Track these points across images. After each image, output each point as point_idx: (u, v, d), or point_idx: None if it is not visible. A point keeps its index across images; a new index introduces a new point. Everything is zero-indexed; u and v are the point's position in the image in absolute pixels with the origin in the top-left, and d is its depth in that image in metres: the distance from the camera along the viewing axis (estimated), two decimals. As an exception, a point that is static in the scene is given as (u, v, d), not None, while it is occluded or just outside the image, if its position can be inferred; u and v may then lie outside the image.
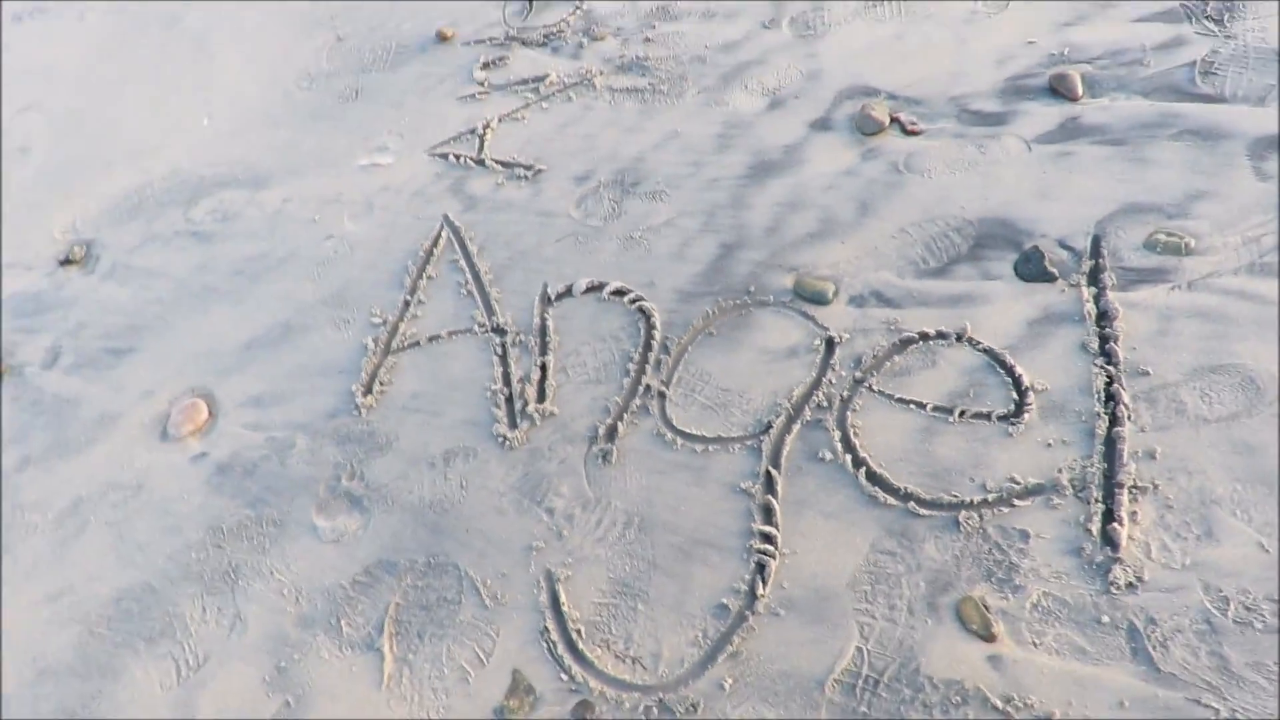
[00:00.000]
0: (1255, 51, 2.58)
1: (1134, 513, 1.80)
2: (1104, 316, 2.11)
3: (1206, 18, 2.72)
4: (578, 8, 3.62)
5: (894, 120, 2.72)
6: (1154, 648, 1.64)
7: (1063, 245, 2.28)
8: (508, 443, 2.23)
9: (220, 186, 3.36)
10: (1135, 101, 2.56)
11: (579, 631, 1.88)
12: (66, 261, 3.24)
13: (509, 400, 2.33)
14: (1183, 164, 2.36)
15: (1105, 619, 1.69)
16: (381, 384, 2.46)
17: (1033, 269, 2.24)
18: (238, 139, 3.56)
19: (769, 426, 2.11)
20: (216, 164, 3.46)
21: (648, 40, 3.34)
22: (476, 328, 2.53)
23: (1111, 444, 1.90)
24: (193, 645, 2.06)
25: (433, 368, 2.47)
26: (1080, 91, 2.62)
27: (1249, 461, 1.81)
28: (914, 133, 2.67)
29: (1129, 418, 1.93)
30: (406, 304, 2.65)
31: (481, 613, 1.95)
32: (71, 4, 4.77)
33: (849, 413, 2.09)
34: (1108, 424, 1.93)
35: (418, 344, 2.54)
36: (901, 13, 3.12)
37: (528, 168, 2.97)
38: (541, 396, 2.31)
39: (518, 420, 2.28)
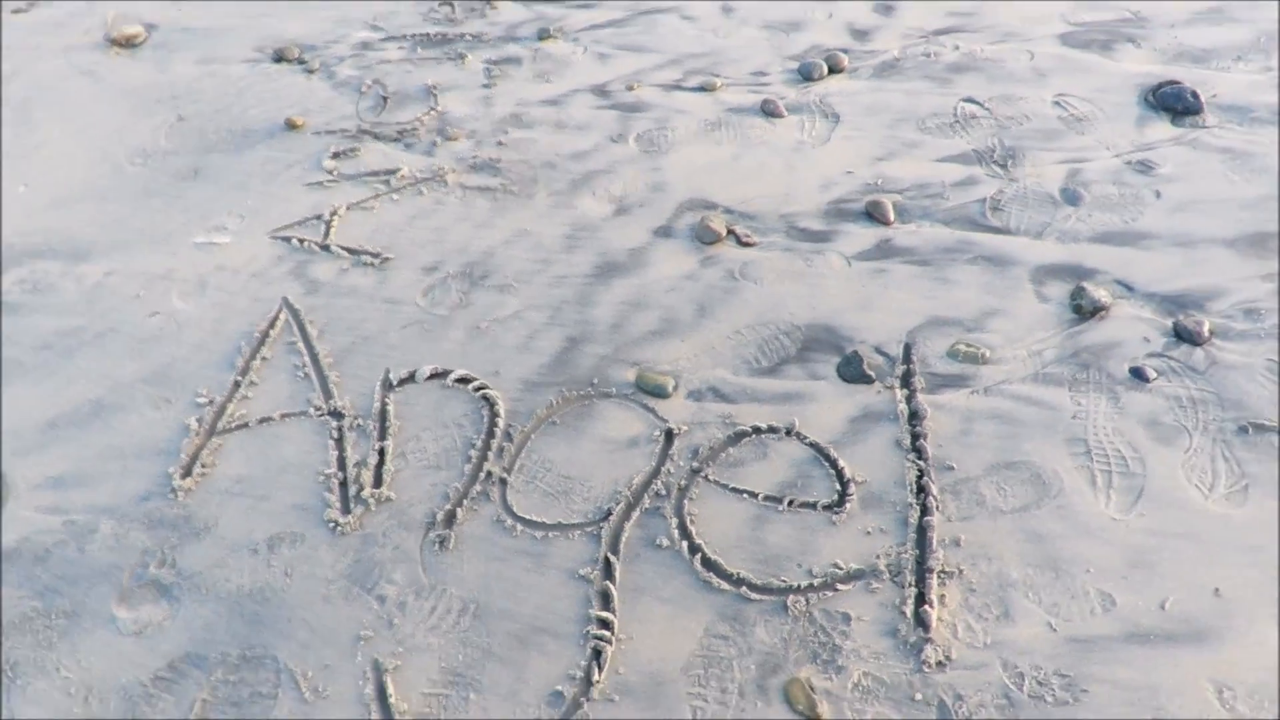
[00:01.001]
0: (1033, 193, 2.98)
1: (942, 595, 1.93)
2: (915, 416, 2.31)
3: (994, 162, 3.13)
4: (432, 109, 3.71)
5: (730, 232, 2.93)
6: (962, 723, 1.74)
7: (879, 351, 2.49)
8: (339, 528, 2.15)
9: (33, 257, 3.14)
10: (938, 228, 2.88)
11: (406, 724, 1.80)
12: None
13: (343, 485, 2.25)
14: (978, 284, 2.66)
15: (918, 696, 1.78)
16: (203, 466, 2.32)
17: (853, 371, 2.43)
18: (58, 210, 3.36)
19: (609, 513, 2.14)
20: (30, 233, 3.25)
21: (500, 144, 3.47)
22: (312, 410, 2.45)
23: (923, 532, 2.05)
24: (-48, 755, 1.81)
25: (262, 450, 2.36)
26: (892, 217, 2.93)
27: (1039, 548, 2.00)
28: (748, 244, 2.88)
29: (937, 508, 2.10)
30: (237, 384, 2.54)
31: (300, 707, 1.83)
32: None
33: (686, 501, 2.16)
34: (919, 513, 2.09)
35: (246, 425, 2.43)
36: (738, 138, 3.40)
37: (375, 255, 2.96)
38: (378, 481, 2.25)
39: (351, 505, 2.21)
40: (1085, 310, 2.52)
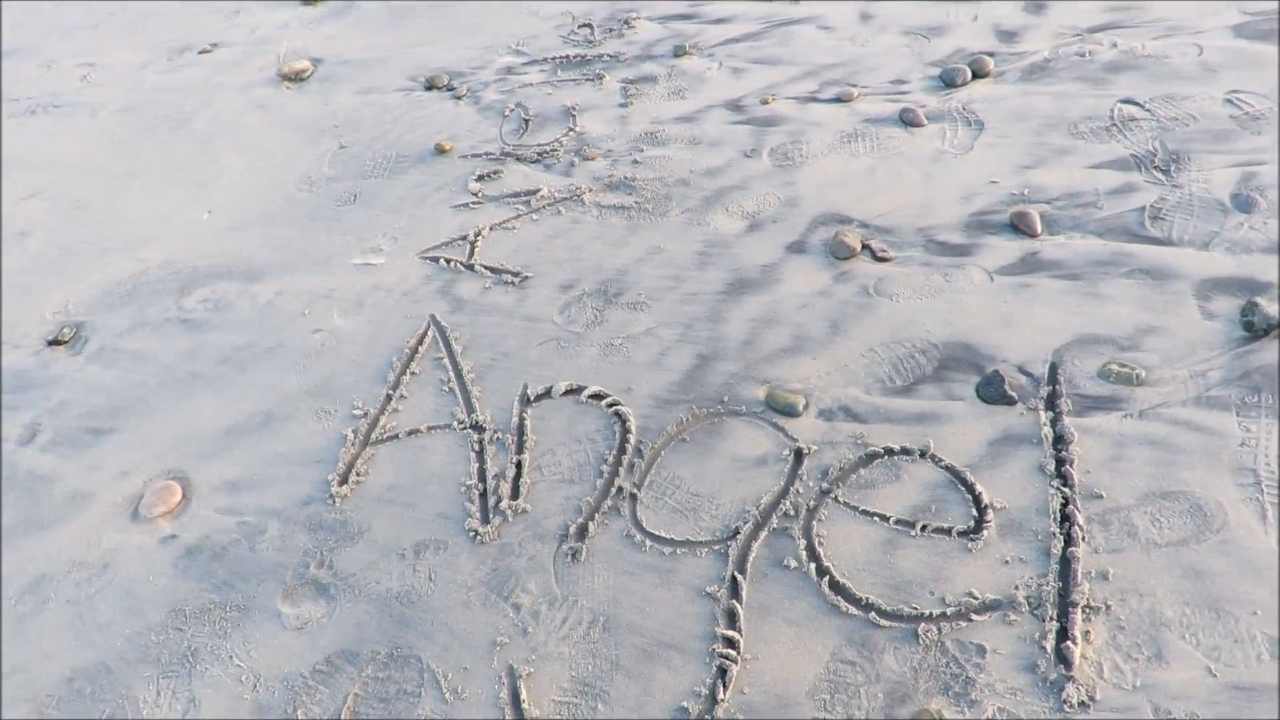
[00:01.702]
0: (1199, 200, 2.78)
1: (1087, 632, 1.84)
2: (1060, 440, 2.20)
3: (1155, 168, 2.94)
4: (571, 129, 3.83)
5: (865, 247, 2.88)
6: (1108, 768, 1.65)
7: (1022, 371, 2.39)
8: (479, 537, 2.26)
9: (214, 278, 3.46)
10: (1090, 240, 2.73)
11: (538, 731, 1.87)
12: (54, 342, 3.29)
13: (483, 496, 2.37)
14: (1134, 300, 2.51)
15: (1060, 737, 1.71)
16: (358, 475, 2.49)
17: (993, 392, 2.35)
18: (235, 234, 3.69)
19: (736, 532, 2.15)
20: (212, 256, 3.57)
21: (635, 162, 3.54)
22: (456, 424, 2.58)
23: (1066, 564, 1.96)
24: (142, 731, 2.01)
25: (410, 461, 2.51)
26: (1039, 229, 2.80)
27: (1197, 586, 1.87)
28: (884, 259, 2.82)
29: (1083, 538, 1.99)
30: (389, 398, 2.71)
31: (440, 707, 1.94)
32: (86, 102, 4.98)
33: (814, 522, 2.14)
34: (1063, 544, 1.99)
35: (396, 437, 2.59)
36: (874, 149, 3.34)
37: (515, 274, 3.09)
38: (515, 493, 2.35)
39: (490, 516, 2.31)
40: (1258, 328, 2.33)
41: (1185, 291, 2.51)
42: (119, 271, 3.61)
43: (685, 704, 1.87)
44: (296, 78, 4.78)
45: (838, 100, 3.67)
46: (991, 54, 3.73)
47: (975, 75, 3.63)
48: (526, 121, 3.97)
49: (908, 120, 3.44)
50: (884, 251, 2.85)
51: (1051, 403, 2.30)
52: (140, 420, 2.86)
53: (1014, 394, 2.33)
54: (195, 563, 2.36)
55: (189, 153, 4.33)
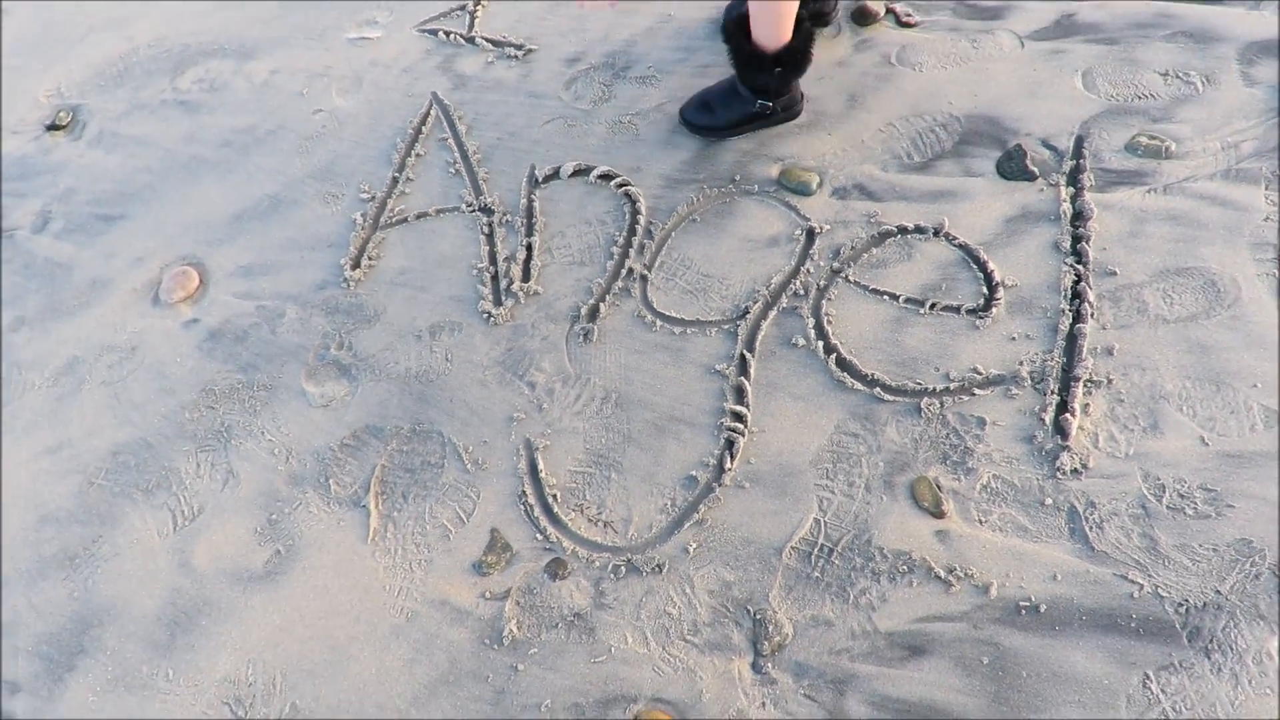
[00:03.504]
0: (1259, -46, 2.54)
1: (1086, 405, 1.89)
2: (1079, 217, 2.16)
3: (1214, -84, 2.67)
4: (576, -120, 3.49)
5: (889, 11, 2.69)
6: (1090, 528, 1.75)
7: (1046, 144, 2.30)
8: (492, 319, 2.29)
9: (206, 56, 3.31)
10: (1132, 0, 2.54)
11: (555, 496, 1.99)
12: (53, 127, 3.22)
13: (494, 278, 2.38)
14: (1173, 65, 2.36)
15: (1048, 501, 1.80)
16: (370, 258, 2.50)
17: (1014, 167, 2.27)
18: (222, 9, 3.49)
19: (746, 312, 2.17)
20: (201, 33, 3.40)
21: (646, -82, 3.25)
22: (464, 206, 2.55)
23: (1073, 339, 1.98)
24: (188, 498, 2.16)
25: (420, 244, 2.51)
26: (1080, -12, 2.60)
27: (1201, 360, 1.89)
28: (909, 25, 2.65)
29: (1092, 315, 2.00)
30: (395, 181, 2.67)
31: (463, 476, 2.06)
32: None
33: (824, 301, 2.16)
34: (1071, 320, 2.00)
35: (405, 220, 2.57)
36: (907, -101, 3.04)
37: (518, 47, 2.94)
38: (526, 276, 2.36)
39: (502, 298, 2.34)
40: (1301, 95, 2.21)
41: (1229, 56, 2.35)
42: (108, 50, 3.46)
43: (694, 473, 1.97)
44: None
45: None
46: None
47: None
48: None
49: None
50: (909, 16, 2.66)
51: (1074, 178, 2.23)
52: (149, 206, 2.84)
53: (1035, 169, 2.26)
54: (219, 345, 2.43)
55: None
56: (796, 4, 2.21)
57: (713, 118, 2.48)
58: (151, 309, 2.56)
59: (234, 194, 2.79)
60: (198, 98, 3.15)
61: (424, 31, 3.11)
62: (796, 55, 2.31)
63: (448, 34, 3.06)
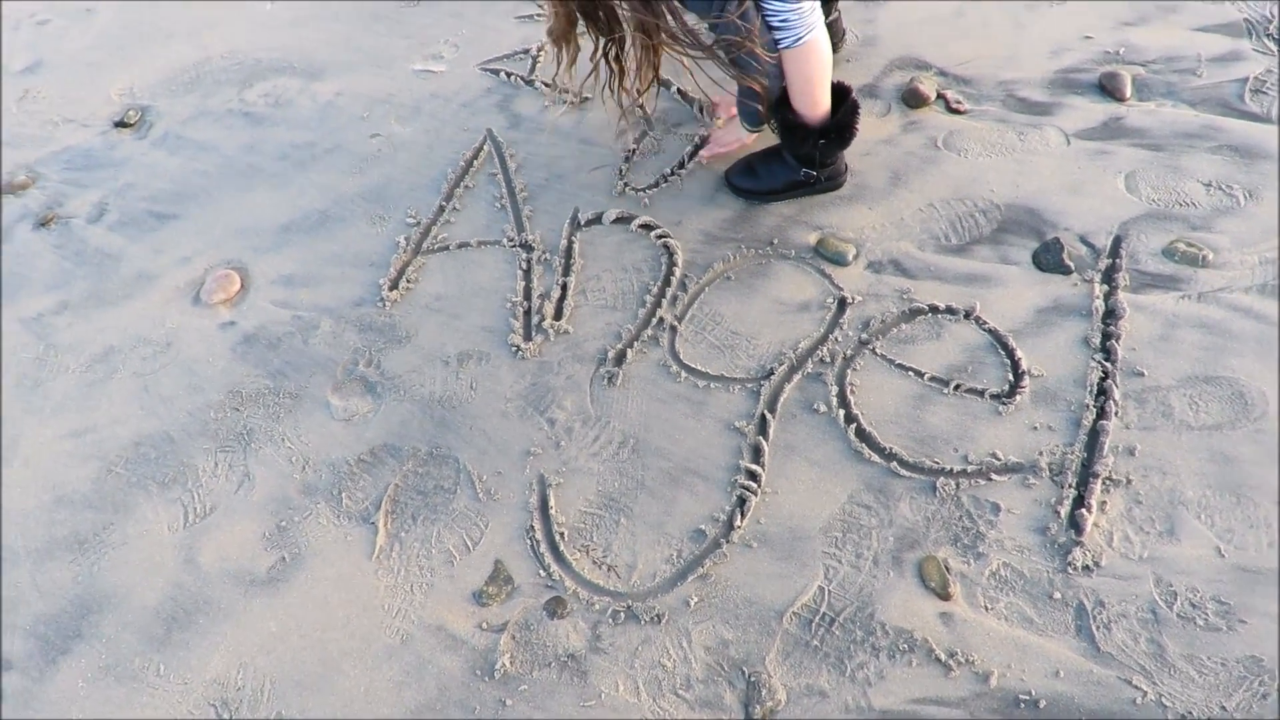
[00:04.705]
0: (1310, 78, 2.58)
1: (1104, 502, 1.88)
2: (1111, 314, 2.17)
3: (1268, 36, 2.72)
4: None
5: (940, 96, 2.74)
6: (1098, 628, 1.73)
7: (1084, 240, 2.32)
8: (520, 353, 2.33)
9: (276, 72, 3.43)
10: (1181, 110, 2.58)
11: (562, 535, 1.99)
12: (121, 124, 3.33)
13: (527, 313, 2.42)
14: (1216, 177, 2.39)
15: (1057, 595, 1.78)
16: (408, 281, 2.55)
17: (1050, 259, 2.29)
18: (298, 28, 3.62)
19: (771, 373, 2.19)
20: (274, 49, 3.53)
21: (713, -16, 3.35)
22: (505, 240, 2.61)
23: (1095, 435, 1.97)
24: (202, 495, 2.19)
25: (458, 273, 2.56)
26: (1129, 93, 2.64)
27: (1223, 470, 1.88)
28: (958, 111, 2.70)
29: (1116, 413, 2.00)
30: (441, 209, 2.73)
31: (474, 505, 2.07)
32: None
33: (849, 370, 2.17)
34: (1095, 416, 2.00)
35: (447, 248, 2.63)
36: (968, -9, 3.12)
37: (575, 94, 3.02)
38: (559, 314, 2.40)
39: (533, 333, 2.37)
40: (1343, 219, 2.22)
41: (1271, 174, 2.37)
42: (183, 57, 3.59)
43: (703, 527, 1.97)
44: None
45: (936, -68, 3.40)
46: (1114, -109, 3.39)
47: (1092, -85, 3.31)
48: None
49: (1009, -40, 3.18)
50: (959, 103, 2.71)
51: (1109, 276, 2.24)
52: (202, 208, 2.92)
53: (1071, 263, 2.28)
54: (252, 349, 2.48)
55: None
56: (829, 77, 2.28)
57: (756, 182, 2.53)
58: (191, 307, 2.62)
59: (285, 205, 2.86)
60: (262, 110, 3.25)
61: (486, 70, 3.21)
62: (841, 128, 2.36)
63: (509, 75, 3.16)
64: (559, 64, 2.38)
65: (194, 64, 3.54)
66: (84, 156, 3.23)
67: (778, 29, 2.20)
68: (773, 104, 2.38)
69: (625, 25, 2.22)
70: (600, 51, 2.28)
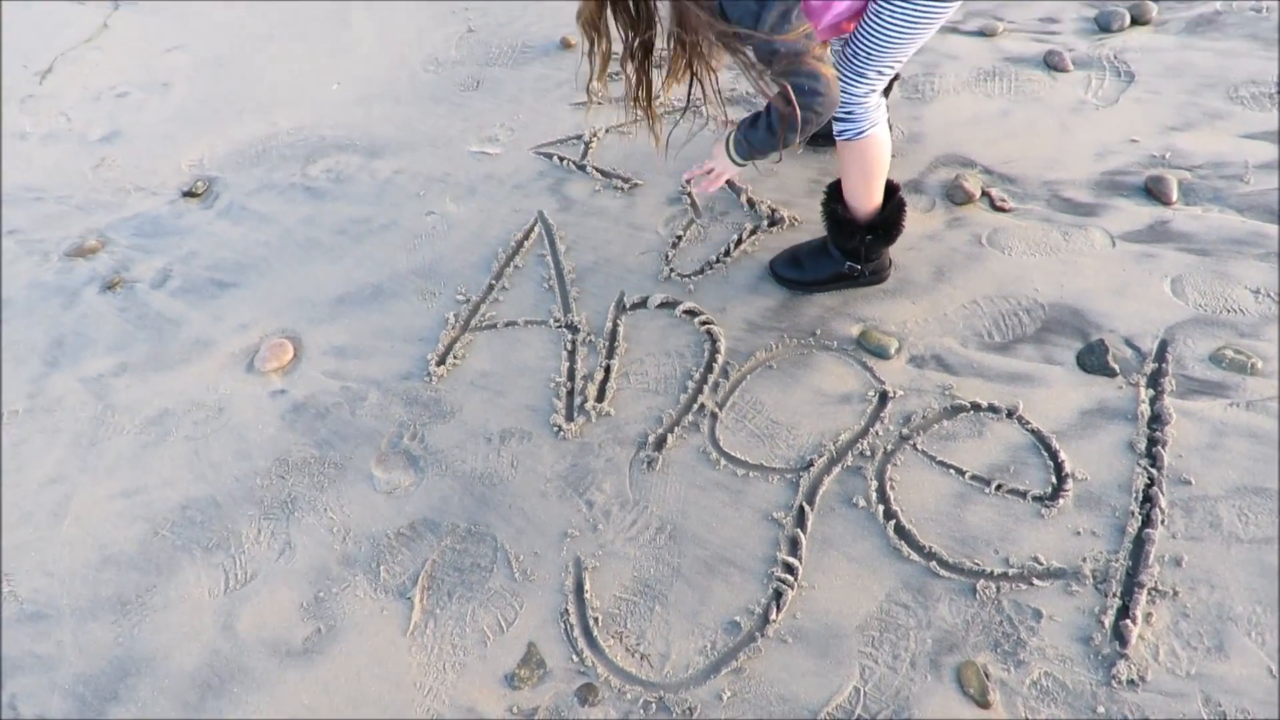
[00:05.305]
0: (1359, 189, 2.58)
1: (1149, 614, 1.84)
2: (1156, 420, 2.15)
3: (1316, 147, 2.73)
4: (701, 36, 3.75)
5: (984, 194, 2.78)
6: (1144, 746, 1.68)
7: (1129, 344, 2.32)
8: (562, 433, 2.36)
9: (339, 149, 3.57)
10: (1228, 215, 2.58)
11: (597, 620, 1.99)
12: (189, 194, 3.48)
13: (570, 394, 2.46)
14: (1264, 285, 2.38)
15: (1100, 709, 1.73)
16: (455, 357, 2.61)
17: (1095, 361, 2.29)
18: (362, 108, 3.78)
19: (810, 464, 2.19)
20: (339, 127, 3.68)
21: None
22: (552, 321, 2.67)
23: (1140, 544, 1.94)
24: (244, 561, 2.22)
25: (505, 351, 2.61)
26: (1175, 197, 2.66)
27: (1274, 586, 1.84)
28: (1003, 210, 2.73)
29: (1162, 521, 1.97)
30: (491, 287, 2.81)
31: (510, 584, 2.08)
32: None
33: (889, 465, 2.17)
34: (1140, 524, 1.97)
35: (495, 326, 2.69)
36: (1011, 90, 3.18)
37: (625, 180, 3.11)
38: (601, 396, 2.43)
39: (575, 414, 2.41)
40: (1396, 332, 2.20)
41: (1324, 283, 2.37)
42: (252, 132, 3.76)
43: (738, 619, 1.96)
44: (433, -47, 4.78)
45: (980, 33, 3.49)
46: (1158, -1, 3.46)
47: (1134, 21, 3.39)
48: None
49: (1052, 64, 3.25)
50: (1004, 202, 2.75)
51: (1155, 380, 2.23)
52: (261, 278, 3.03)
53: (1116, 366, 2.27)
54: (301, 418, 2.54)
55: (323, 19, 4.42)
56: (885, 173, 2.32)
57: (801, 272, 2.57)
58: (245, 374, 2.70)
59: (340, 278, 2.96)
60: (324, 185, 3.39)
61: (540, 153, 3.33)
62: (888, 224, 2.40)
63: (562, 159, 3.26)
64: (591, 68, 2.06)
65: (262, 139, 3.71)
66: (152, 224, 3.38)
67: (841, 120, 2.21)
68: (825, 195, 2.43)
69: (658, 23, 1.96)
70: (627, 51, 2.01)
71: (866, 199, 2.35)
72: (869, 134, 2.22)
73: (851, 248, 2.44)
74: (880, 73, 2.11)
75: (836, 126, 2.24)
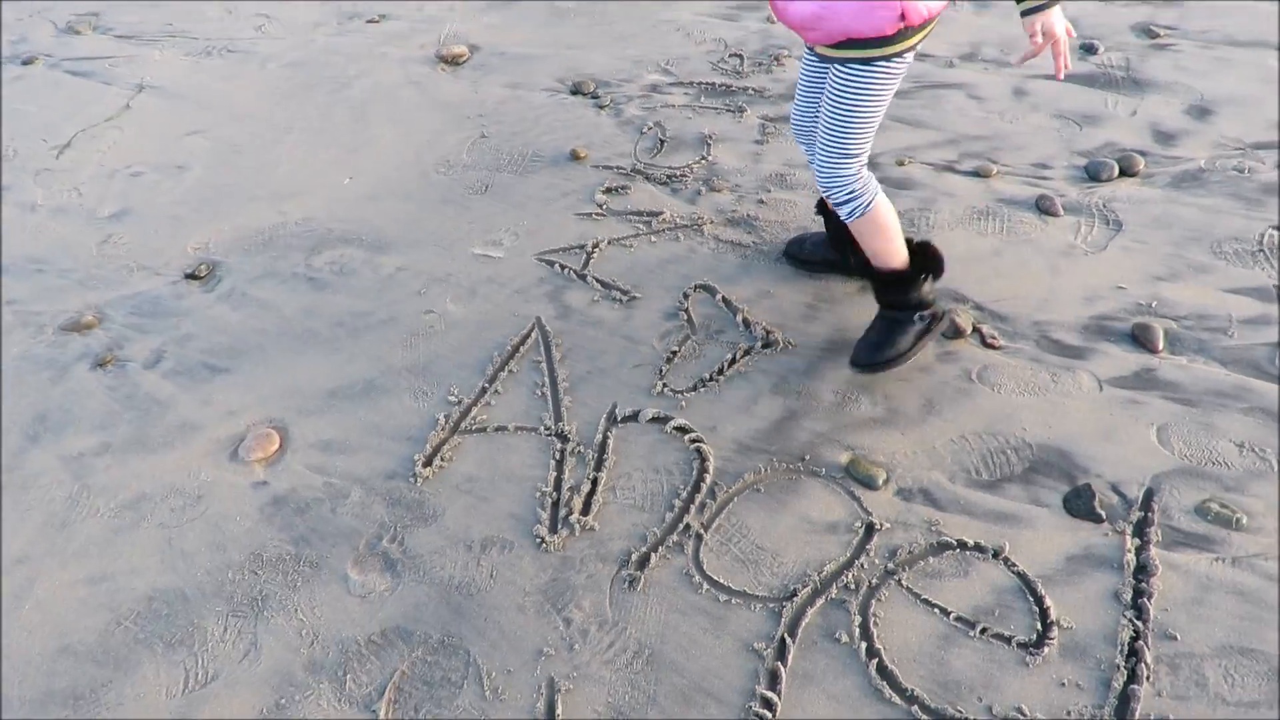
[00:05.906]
0: (1340, 350, 2.64)
1: (1135, 775, 1.79)
2: (1143, 570, 2.14)
3: (1298, 307, 2.81)
4: (704, 157, 3.89)
5: (975, 330, 2.84)
6: None
7: (1115, 490, 2.33)
8: (544, 545, 2.33)
9: (344, 242, 3.63)
10: (1213, 368, 2.64)
11: (566, 747, 1.92)
12: (191, 276, 3.52)
13: (555, 505, 2.43)
14: (1248, 440, 2.41)
15: None
16: (443, 459, 2.60)
17: (1081, 505, 2.29)
18: (372, 204, 3.86)
19: (794, 594, 2.16)
20: (347, 221, 3.75)
21: (761, 201, 3.57)
22: (542, 429, 2.66)
23: (1125, 700, 1.91)
24: (206, 660, 2.15)
25: (492, 456, 2.60)
26: (1161, 345, 2.71)
27: (1262, 754, 1.80)
28: (993, 346, 2.78)
29: (1148, 678, 1.94)
30: (484, 391, 2.81)
31: (479, 703, 2.01)
32: (258, 51, 5.29)
33: (873, 601, 2.14)
34: (1125, 679, 1.94)
35: (484, 430, 2.68)
36: (1004, 230, 3.28)
37: (624, 292, 3.16)
38: (586, 509, 2.41)
39: (559, 526, 2.38)
40: (1378, 495, 2.21)
41: (1307, 441, 2.40)
42: (261, 219, 3.83)
43: (712, 754, 1.89)
44: (453, 61, 4.98)
45: (975, 174, 3.62)
46: (1144, 153, 3.62)
47: (1123, 172, 3.53)
48: (662, 142, 4.04)
49: (1044, 208, 3.37)
50: (994, 339, 2.80)
51: (1140, 529, 2.23)
52: (254, 365, 3.03)
53: (1102, 512, 2.27)
54: (280, 512, 2.50)
55: (343, 116, 4.56)
56: (900, 227, 2.54)
57: (890, 350, 2.62)
58: (228, 462, 2.67)
59: (334, 371, 2.96)
60: (326, 277, 3.43)
61: (542, 260, 3.39)
62: (929, 258, 2.60)
63: (563, 267, 3.32)
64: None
65: (270, 227, 3.77)
66: (151, 303, 3.40)
67: (847, 202, 2.47)
68: (871, 286, 2.66)
69: None
70: None
71: (896, 256, 2.56)
72: (875, 202, 2.47)
73: (916, 297, 2.57)
74: (861, 145, 2.41)
75: (844, 210, 2.49)
